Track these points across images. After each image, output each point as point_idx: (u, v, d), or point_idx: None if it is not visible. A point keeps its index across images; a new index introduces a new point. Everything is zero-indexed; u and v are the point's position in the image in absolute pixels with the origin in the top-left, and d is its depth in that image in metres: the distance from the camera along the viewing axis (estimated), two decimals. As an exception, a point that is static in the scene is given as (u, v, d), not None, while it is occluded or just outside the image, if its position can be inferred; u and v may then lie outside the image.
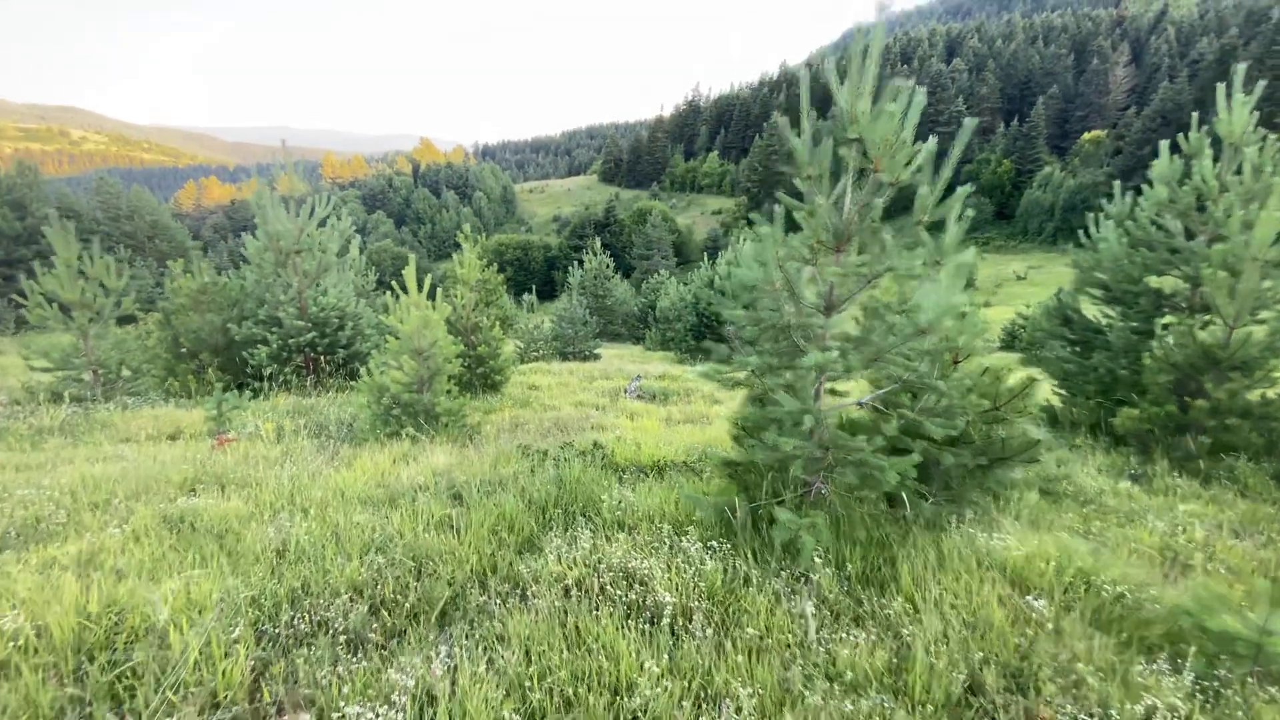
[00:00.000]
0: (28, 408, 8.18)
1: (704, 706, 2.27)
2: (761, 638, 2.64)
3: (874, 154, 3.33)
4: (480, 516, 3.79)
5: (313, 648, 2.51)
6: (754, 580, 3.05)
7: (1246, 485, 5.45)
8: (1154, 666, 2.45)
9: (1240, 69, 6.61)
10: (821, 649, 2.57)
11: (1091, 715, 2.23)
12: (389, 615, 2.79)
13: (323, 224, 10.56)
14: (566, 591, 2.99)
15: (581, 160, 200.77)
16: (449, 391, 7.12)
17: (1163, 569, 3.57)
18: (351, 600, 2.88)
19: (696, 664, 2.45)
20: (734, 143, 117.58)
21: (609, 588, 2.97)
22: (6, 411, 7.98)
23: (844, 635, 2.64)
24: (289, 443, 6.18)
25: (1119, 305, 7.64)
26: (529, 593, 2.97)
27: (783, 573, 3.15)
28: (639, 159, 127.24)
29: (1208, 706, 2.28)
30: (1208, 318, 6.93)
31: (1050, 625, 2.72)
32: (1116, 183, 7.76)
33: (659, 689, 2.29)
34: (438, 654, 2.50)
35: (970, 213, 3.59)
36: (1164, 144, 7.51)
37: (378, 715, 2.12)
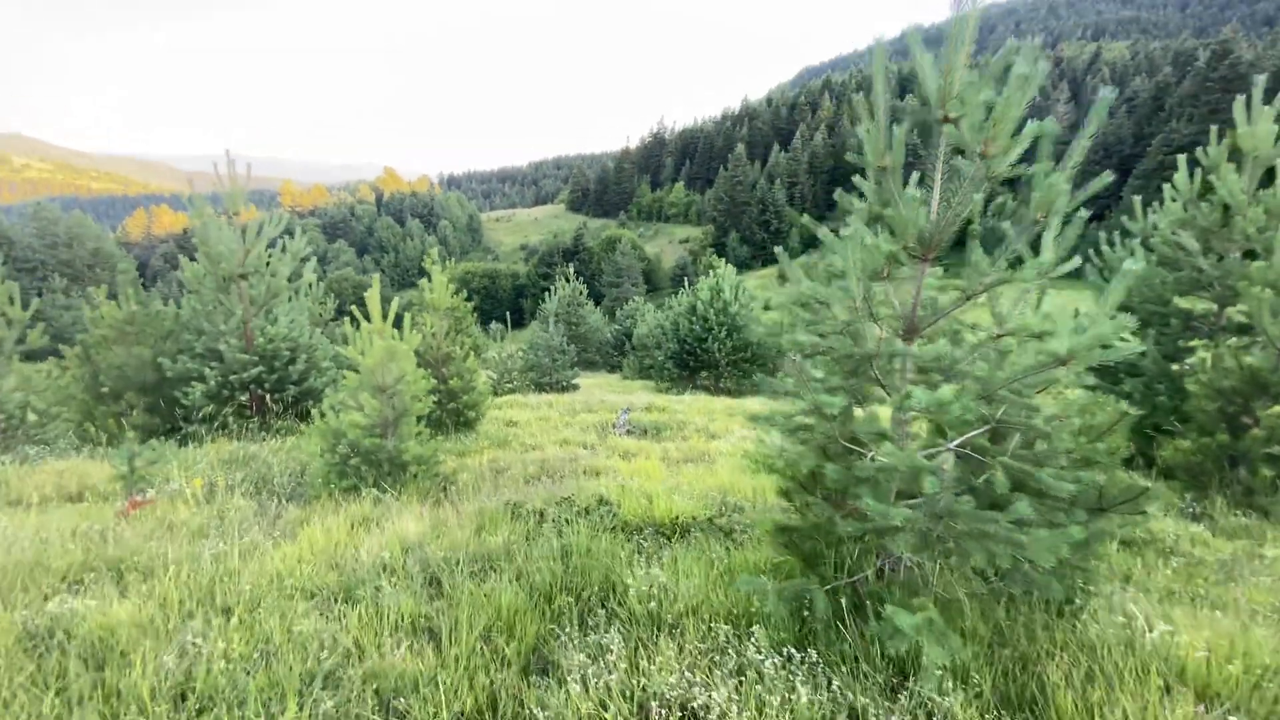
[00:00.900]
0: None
1: None
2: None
3: (980, 136, 2.60)
4: (468, 615, 2.83)
5: None
6: (867, 714, 2.17)
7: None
8: None
9: (1260, 80, 6.31)
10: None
11: None
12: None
13: (272, 245, 9.45)
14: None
15: (548, 190, 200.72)
16: (419, 434, 6.09)
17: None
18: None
19: None
20: (699, 173, 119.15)
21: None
22: None
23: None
24: (221, 503, 5.07)
25: (1148, 328, 7.16)
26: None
27: (899, 696, 2.28)
28: (606, 188, 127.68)
29: None
30: (1246, 339, 6.49)
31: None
32: (1137, 199, 7.33)
33: None
34: None
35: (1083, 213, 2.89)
36: (1181, 158, 7.18)
37: None
